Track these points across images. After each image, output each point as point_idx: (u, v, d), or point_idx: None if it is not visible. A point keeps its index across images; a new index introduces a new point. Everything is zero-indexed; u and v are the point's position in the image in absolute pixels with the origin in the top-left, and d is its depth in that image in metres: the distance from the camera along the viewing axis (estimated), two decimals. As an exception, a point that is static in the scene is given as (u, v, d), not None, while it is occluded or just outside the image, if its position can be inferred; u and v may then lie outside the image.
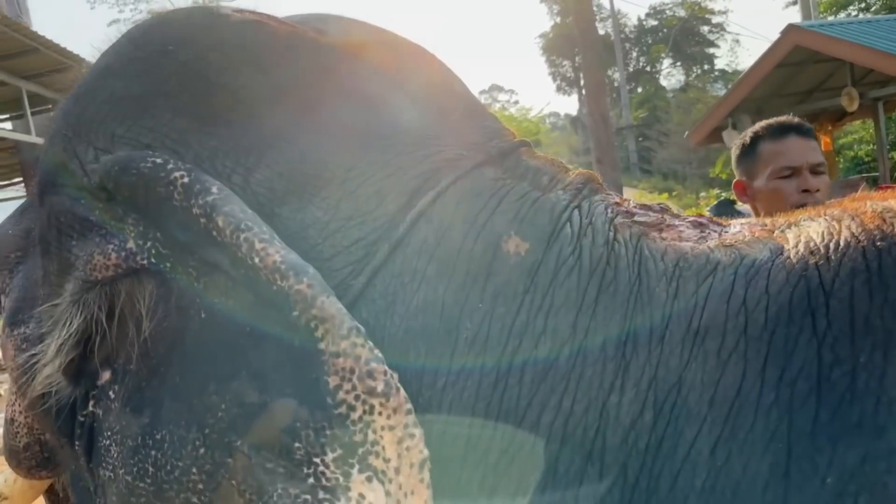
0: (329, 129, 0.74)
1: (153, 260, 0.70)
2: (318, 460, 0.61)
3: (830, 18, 14.00)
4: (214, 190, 0.66)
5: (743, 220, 0.76)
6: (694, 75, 31.02)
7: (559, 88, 30.28)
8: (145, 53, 0.76)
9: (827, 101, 9.19)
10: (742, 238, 0.70)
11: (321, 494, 0.61)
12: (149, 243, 0.70)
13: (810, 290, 0.62)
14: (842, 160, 13.17)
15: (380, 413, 0.61)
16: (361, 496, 0.61)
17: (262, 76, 0.74)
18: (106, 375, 0.74)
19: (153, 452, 0.68)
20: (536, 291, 0.68)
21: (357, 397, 0.61)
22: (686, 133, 10.69)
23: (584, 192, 0.77)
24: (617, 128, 26.52)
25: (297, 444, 0.61)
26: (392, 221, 0.71)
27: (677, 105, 25.61)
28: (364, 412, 0.61)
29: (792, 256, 0.65)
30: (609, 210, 0.75)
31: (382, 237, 0.70)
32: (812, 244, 0.65)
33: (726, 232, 0.73)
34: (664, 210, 0.79)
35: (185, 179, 0.67)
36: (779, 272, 0.64)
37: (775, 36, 8.50)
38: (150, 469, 0.68)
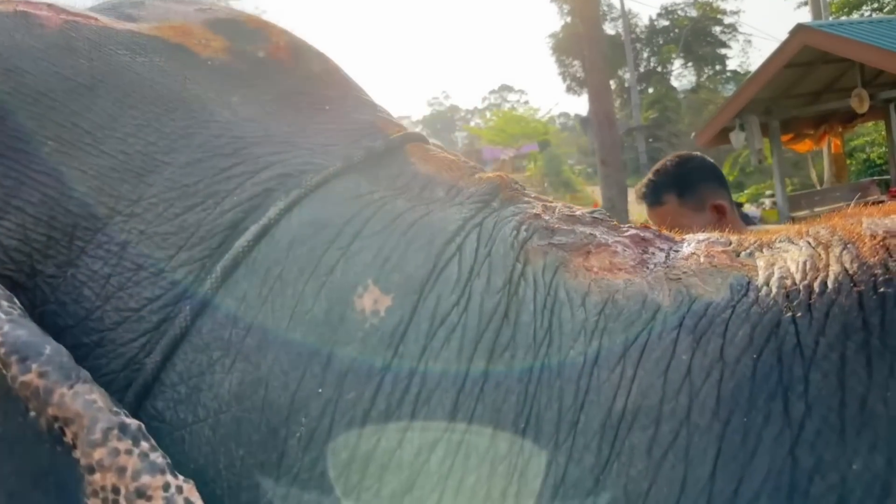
0: (109, 148, 0.56)
1: None
2: None
3: (842, 18, 13.81)
4: None
5: (701, 236, 0.58)
6: (705, 76, 30.79)
7: (569, 88, 30.08)
8: None
9: (837, 102, 9.02)
10: (695, 266, 0.52)
11: None
12: None
13: (783, 357, 0.45)
14: (853, 163, 12.98)
15: None
16: None
17: (16, 90, 0.56)
18: None
19: None
20: (401, 367, 0.50)
21: None
22: (693, 134, 10.54)
23: (494, 205, 0.59)
24: (627, 128, 26.34)
25: None
26: (199, 273, 0.53)
27: (688, 106, 25.42)
28: None
29: (760, 301, 0.48)
30: (522, 229, 0.56)
31: (185, 295, 0.53)
32: (788, 282, 0.48)
33: (676, 253, 0.55)
34: (598, 221, 0.60)
35: None
36: (740, 326, 0.47)
37: (786, 36, 8.34)
38: None
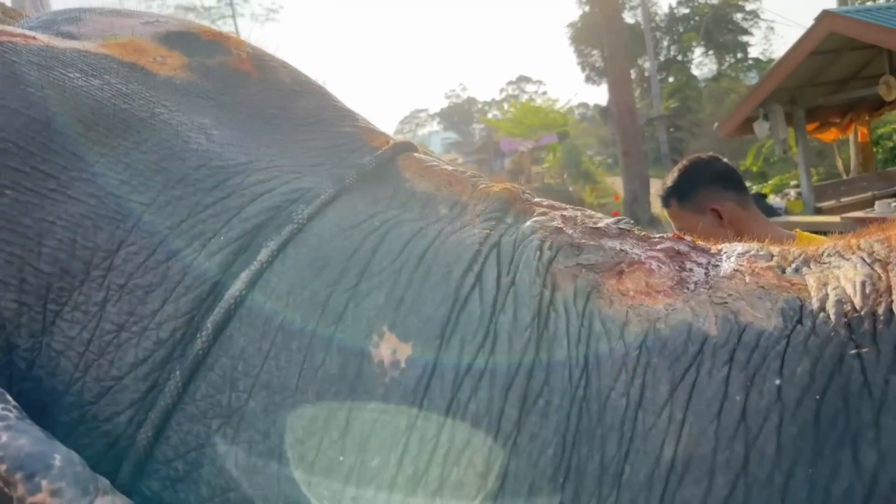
0: (77, 192, 0.48)
1: None
2: None
3: (868, 3, 13.53)
4: None
5: (740, 248, 0.53)
6: (727, 64, 30.38)
7: (588, 78, 29.86)
8: None
9: (864, 89, 8.83)
10: (740, 287, 0.47)
11: None
12: None
13: (849, 398, 0.40)
14: (880, 151, 12.72)
15: None
16: None
17: None
18: None
19: None
20: (427, 426, 0.45)
21: None
22: (716, 125, 10.40)
23: (508, 221, 0.53)
24: (647, 118, 26.06)
25: None
26: (188, 329, 0.47)
27: (709, 95, 25.10)
28: None
29: (818, 330, 0.43)
30: (545, 248, 0.51)
31: (173, 356, 0.46)
32: (847, 308, 0.43)
33: (716, 269, 0.50)
34: (626, 233, 0.54)
35: None
36: (798, 362, 0.42)
37: (811, 23, 8.18)
38: None
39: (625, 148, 9.30)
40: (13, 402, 0.41)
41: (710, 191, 1.85)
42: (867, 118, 9.78)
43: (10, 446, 0.38)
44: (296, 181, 0.52)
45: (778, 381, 0.42)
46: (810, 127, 9.56)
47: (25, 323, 0.46)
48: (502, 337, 0.47)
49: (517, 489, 0.44)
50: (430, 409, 0.45)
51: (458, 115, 44.78)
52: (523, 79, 40.21)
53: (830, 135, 10.04)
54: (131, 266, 0.48)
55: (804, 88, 8.98)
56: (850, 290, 0.44)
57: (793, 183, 12.28)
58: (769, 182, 14.19)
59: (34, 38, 0.54)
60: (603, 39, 10.22)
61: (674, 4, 30.71)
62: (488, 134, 30.30)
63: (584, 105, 37.06)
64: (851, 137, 10.07)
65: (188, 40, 0.60)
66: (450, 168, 0.58)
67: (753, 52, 30.83)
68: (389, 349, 0.46)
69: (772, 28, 30.30)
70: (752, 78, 29.13)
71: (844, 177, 10.44)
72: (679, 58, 30.68)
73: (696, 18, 30.14)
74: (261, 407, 0.45)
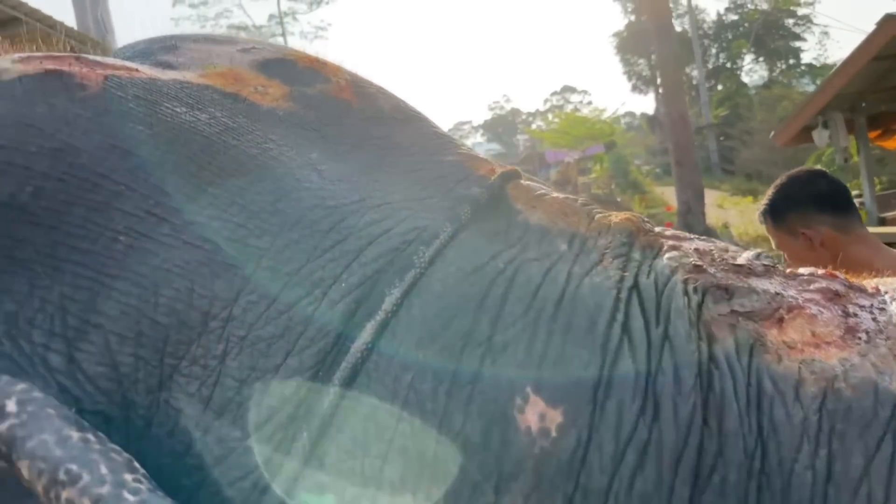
0: (192, 236, 0.45)
1: None
2: None
3: (933, 6, 13.03)
4: (11, 408, 0.38)
5: None
6: (778, 70, 29.68)
7: (634, 87, 29.55)
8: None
9: (930, 94, 8.51)
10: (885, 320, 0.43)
11: None
12: None
13: None
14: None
15: None
16: None
17: (70, 175, 0.44)
18: None
19: None
20: None
21: None
22: (772, 133, 10.14)
23: (636, 257, 0.49)
24: (696, 127, 25.60)
25: None
26: (312, 384, 0.43)
27: (760, 102, 24.54)
28: None
29: None
30: (691, 291, 0.46)
31: (298, 415, 0.43)
32: None
33: (881, 312, 0.45)
34: (771, 270, 0.49)
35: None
36: None
37: (871, 27, 7.92)
38: None
39: (678, 158, 9.13)
40: (142, 471, 0.38)
41: (802, 214, 1.74)
42: (933, 124, 9.41)
43: None
44: (410, 219, 0.49)
45: None
46: (872, 134, 9.24)
47: (142, 378, 0.42)
48: (665, 401, 0.42)
49: None
50: (589, 488, 0.40)
51: (502, 126, 44.75)
52: (568, 89, 40.02)
53: (894, 142, 9.69)
54: (251, 316, 0.44)
55: (866, 95, 8.69)
56: None
57: (854, 192, 11.90)
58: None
59: (137, 70, 0.52)
60: (650, 48, 10.07)
61: (722, 11, 30.21)
62: (532, 145, 30.21)
63: (631, 114, 36.66)
64: (917, 144, 9.69)
65: (286, 67, 0.57)
66: (560, 196, 0.55)
67: (806, 58, 30.08)
68: (536, 414, 0.41)
69: (826, 33, 29.45)
70: (806, 84, 28.38)
71: (909, 185, 10.04)
72: (728, 65, 30.12)
73: (746, 25, 29.56)
74: (397, 475, 0.41)
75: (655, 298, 0.46)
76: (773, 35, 29.07)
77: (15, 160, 0.43)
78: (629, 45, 29.43)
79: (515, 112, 46.17)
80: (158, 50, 0.57)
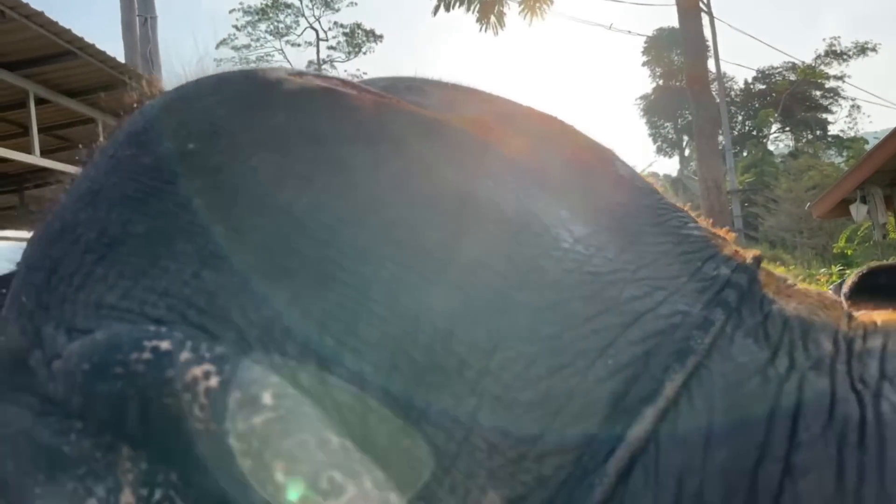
0: (456, 277, 0.41)
1: None
2: None
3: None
4: (268, 400, 0.35)
5: None
6: (804, 140, 29.82)
7: (659, 150, 29.77)
8: (153, 159, 0.43)
9: (973, 175, 8.42)
10: None
11: None
12: (158, 493, 0.37)
13: None
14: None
15: None
16: None
17: (347, 191, 0.42)
18: None
19: None
20: None
21: None
22: (807, 205, 10.06)
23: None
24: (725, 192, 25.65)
25: None
26: (575, 469, 0.38)
27: (787, 171, 24.58)
28: None
29: None
30: None
31: (559, 501, 0.37)
32: None
33: None
34: None
35: (214, 381, 0.35)
36: None
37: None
38: None
39: (711, 224, 9.04)
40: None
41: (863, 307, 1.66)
42: (974, 204, 9.29)
43: None
44: (671, 301, 0.43)
45: None
46: (912, 211, 9.13)
47: (387, 421, 0.39)
48: None
49: None
50: None
51: (524, 180, 45.14)
52: (592, 147, 40.48)
53: (932, 220, 9.58)
54: (508, 375, 0.38)
55: (906, 171, 8.63)
56: None
57: (888, 268, 11.66)
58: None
59: (398, 100, 0.49)
60: (677, 112, 10.10)
61: (749, 80, 30.56)
62: (555, 200, 30.39)
63: (655, 174, 36.92)
64: (956, 224, 9.56)
65: (527, 123, 0.53)
66: (806, 287, 0.49)
67: (834, 130, 30.21)
68: None
69: (857, 106, 29.56)
70: (832, 155, 28.40)
71: (947, 265, 9.87)
72: (754, 133, 30.33)
73: (773, 95, 29.87)
74: None
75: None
76: (801, 106, 29.32)
77: (296, 169, 0.42)
78: (656, 108, 29.76)
79: (538, 167, 46.64)
80: (403, 89, 0.53)
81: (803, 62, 28.61)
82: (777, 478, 0.37)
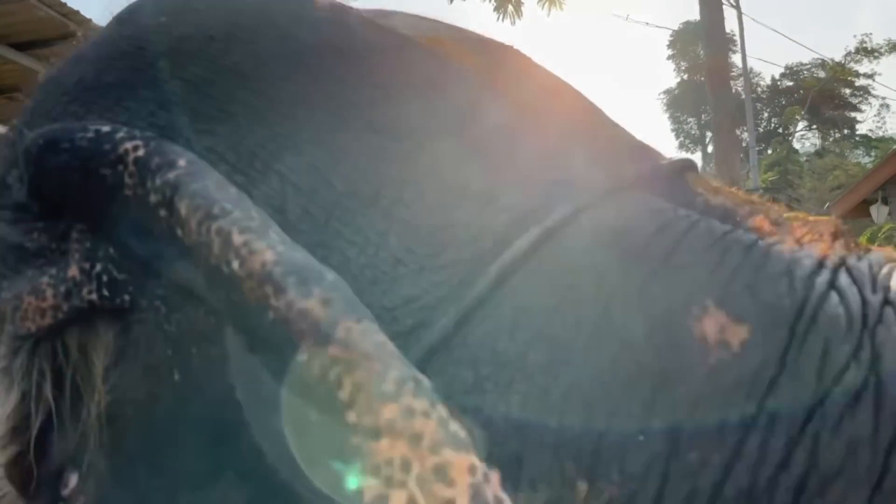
0: (381, 124, 0.49)
1: (106, 292, 0.45)
2: None
3: None
4: (181, 163, 0.42)
5: None
6: (831, 139, 29.33)
7: (681, 145, 29.46)
8: (130, 31, 0.53)
9: None
10: None
11: None
12: (98, 266, 0.45)
13: None
14: None
15: None
16: None
17: (290, 58, 0.51)
18: (72, 481, 0.49)
19: None
20: (775, 432, 0.37)
21: None
22: (826, 204, 9.88)
23: (837, 248, 0.45)
24: (745, 189, 25.31)
25: None
26: (467, 275, 0.43)
27: (812, 170, 24.20)
28: None
29: None
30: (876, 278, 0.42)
31: (448, 299, 0.43)
32: None
33: None
34: None
35: (140, 152, 0.43)
36: None
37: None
38: None
39: (726, 222, 8.92)
40: (290, 240, 0.41)
41: None
42: None
43: (287, 255, 0.38)
44: (588, 168, 0.50)
45: None
46: (935, 214, 8.92)
47: (306, 230, 0.44)
48: (888, 354, 0.38)
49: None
50: (778, 414, 0.37)
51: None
52: (614, 141, 40.25)
53: (957, 224, 9.34)
54: (410, 211, 0.45)
55: (931, 173, 8.42)
56: None
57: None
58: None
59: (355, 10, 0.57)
60: (700, 108, 9.95)
61: (777, 76, 30.08)
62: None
63: (676, 172, 36.59)
64: (981, 228, 9.33)
65: (482, 44, 0.60)
66: (738, 192, 0.52)
67: (862, 129, 29.65)
68: (716, 325, 0.39)
69: (887, 105, 28.93)
70: (859, 155, 27.88)
71: (971, 270, 9.65)
72: (780, 130, 29.89)
73: (800, 92, 29.38)
74: (542, 361, 0.40)
75: (867, 274, 0.42)
76: (829, 104, 28.84)
77: (242, 36, 0.51)
78: (680, 103, 29.45)
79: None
80: (375, 14, 0.60)
81: (832, 59, 28.03)
82: (654, 268, 0.42)
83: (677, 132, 29.47)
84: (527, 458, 0.39)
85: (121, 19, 0.56)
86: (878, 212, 8.44)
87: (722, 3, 9.63)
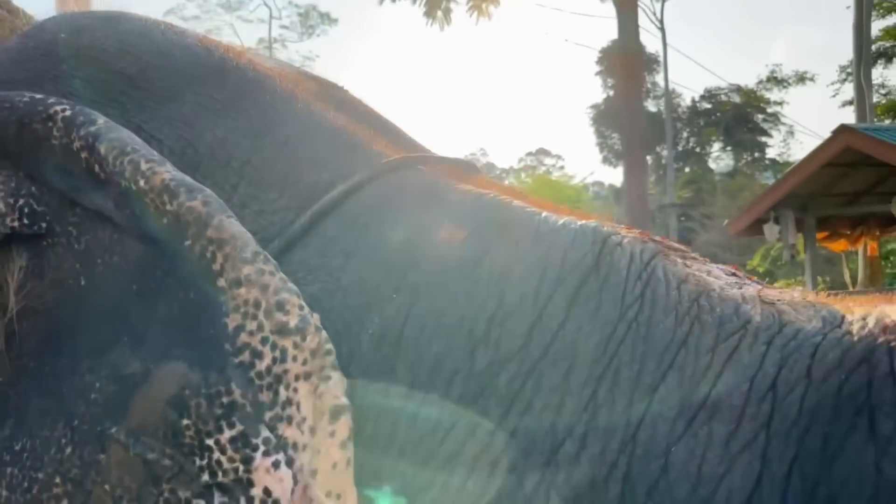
0: (235, 113, 0.69)
1: (26, 221, 0.59)
2: (211, 443, 0.47)
3: (887, 123, 13.74)
4: (100, 121, 0.58)
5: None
6: (744, 161, 30.79)
7: (605, 159, 30.28)
8: (35, 42, 0.70)
9: (877, 205, 8.90)
10: (787, 297, 0.56)
11: (218, 499, 0.47)
12: (21, 200, 0.59)
13: (873, 380, 0.47)
14: (889, 265, 12.70)
15: (294, 358, 0.48)
16: (267, 493, 0.47)
17: (166, 67, 0.71)
18: None
19: (9, 471, 0.53)
20: (475, 290, 0.57)
21: (264, 340, 0.49)
22: (726, 221, 10.43)
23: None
24: (659, 205, 26.24)
25: (185, 422, 0.49)
26: (294, 218, 0.63)
27: (723, 189, 25.35)
28: (273, 360, 0.49)
29: (854, 331, 0.50)
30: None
31: (278, 234, 0.61)
32: (888, 320, 0.50)
33: (767, 289, 0.59)
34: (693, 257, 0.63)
35: (67, 112, 0.58)
36: (830, 350, 0.50)
37: (829, 133, 8.29)
38: (4, 494, 0.54)
39: (633, 234, 9.29)
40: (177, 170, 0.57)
41: None
42: (878, 233, 9.81)
43: (178, 176, 0.55)
44: (375, 156, 0.71)
45: (809, 363, 0.50)
46: (820, 235, 9.59)
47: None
48: (557, 250, 0.59)
49: (550, 368, 0.53)
50: (480, 281, 0.59)
51: (475, 178, 45.17)
52: (543, 151, 40.78)
53: (840, 245, 10.07)
54: (263, 167, 0.65)
55: (817, 197, 9.05)
56: (890, 312, 0.51)
57: (799, 288, 12.22)
58: (775, 284, 14.13)
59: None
60: (623, 127, 10.37)
61: (696, 98, 31.39)
62: (502, 201, 30.45)
63: (599, 184, 37.46)
64: (861, 250, 10.07)
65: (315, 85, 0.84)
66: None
67: (771, 153, 31.29)
68: (449, 232, 0.62)
69: (791, 132, 30.69)
70: (768, 177, 29.40)
71: (851, 288, 10.39)
72: (697, 150, 31.16)
73: (718, 115, 30.72)
74: (338, 264, 0.60)
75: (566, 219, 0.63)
76: (742, 127, 30.24)
77: (130, 50, 0.70)
78: (605, 118, 30.30)
79: (490, 166, 46.76)
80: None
81: (747, 85, 29.53)
82: (413, 236, 0.63)
83: (601, 146, 30.30)
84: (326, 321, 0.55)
85: (26, 34, 0.74)
86: (770, 230, 8.99)
87: (638, 29, 10.08)
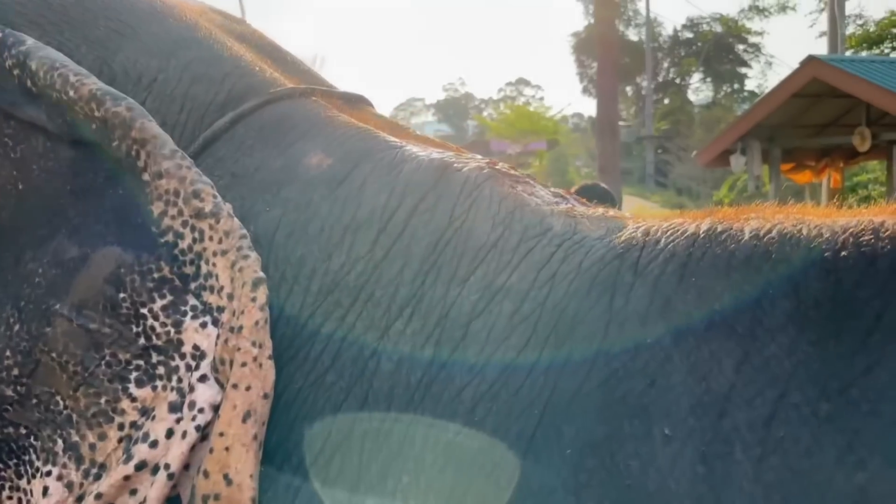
0: (145, 36, 0.77)
1: None
2: (145, 311, 0.57)
3: (853, 55, 13.71)
4: (29, 41, 0.63)
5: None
6: (723, 93, 30.63)
7: (585, 90, 29.96)
8: None
9: (840, 137, 9.00)
10: (590, 214, 0.68)
11: (154, 358, 0.57)
12: None
13: (621, 269, 0.60)
14: (853, 198, 12.93)
15: (210, 238, 0.58)
16: (196, 348, 0.57)
17: (114, 12, 0.79)
18: None
19: None
20: (335, 204, 0.67)
21: (185, 223, 0.58)
22: (695, 153, 10.50)
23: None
24: (637, 137, 26.17)
25: (122, 295, 0.58)
26: (191, 139, 0.71)
27: (701, 121, 25.28)
28: (194, 239, 0.58)
29: (623, 237, 0.63)
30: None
31: (184, 145, 0.69)
32: (652, 230, 0.63)
33: (582, 207, 0.72)
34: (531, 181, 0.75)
35: (10, 40, 0.64)
36: (599, 249, 0.63)
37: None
38: None
39: (602, 164, 9.41)
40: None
41: None
42: (841, 165, 9.95)
43: (104, 87, 0.61)
44: (271, 81, 0.81)
45: (581, 258, 0.62)
46: (785, 167, 9.71)
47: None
48: (404, 172, 0.71)
49: (389, 268, 0.64)
50: (338, 197, 0.69)
51: (454, 108, 44.65)
52: (522, 81, 40.25)
53: (804, 177, 10.21)
54: (169, 85, 0.74)
55: (783, 128, 9.11)
56: (660, 225, 0.62)
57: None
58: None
59: None
60: (597, 54, 10.26)
61: (678, 27, 30.91)
62: (481, 132, 30.31)
63: (579, 115, 37.20)
64: (824, 182, 10.24)
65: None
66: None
67: (750, 85, 31.13)
68: (318, 159, 0.72)
69: (770, 64, 30.50)
70: (745, 110, 29.28)
71: (813, 219, 10.56)
72: (677, 81, 30.90)
73: (699, 45, 30.32)
74: (225, 184, 0.69)
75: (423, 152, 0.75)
76: (723, 58, 29.94)
77: (77, 3, 0.78)
78: (586, 46, 29.80)
79: (469, 96, 46.14)
80: None
81: (729, 14, 29.05)
82: (290, 162, 0.73)
83: (582, 76, 29.93)
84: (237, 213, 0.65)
85: None
86: (736, 161, 9.07)
87: (613, -49, 9.83)
